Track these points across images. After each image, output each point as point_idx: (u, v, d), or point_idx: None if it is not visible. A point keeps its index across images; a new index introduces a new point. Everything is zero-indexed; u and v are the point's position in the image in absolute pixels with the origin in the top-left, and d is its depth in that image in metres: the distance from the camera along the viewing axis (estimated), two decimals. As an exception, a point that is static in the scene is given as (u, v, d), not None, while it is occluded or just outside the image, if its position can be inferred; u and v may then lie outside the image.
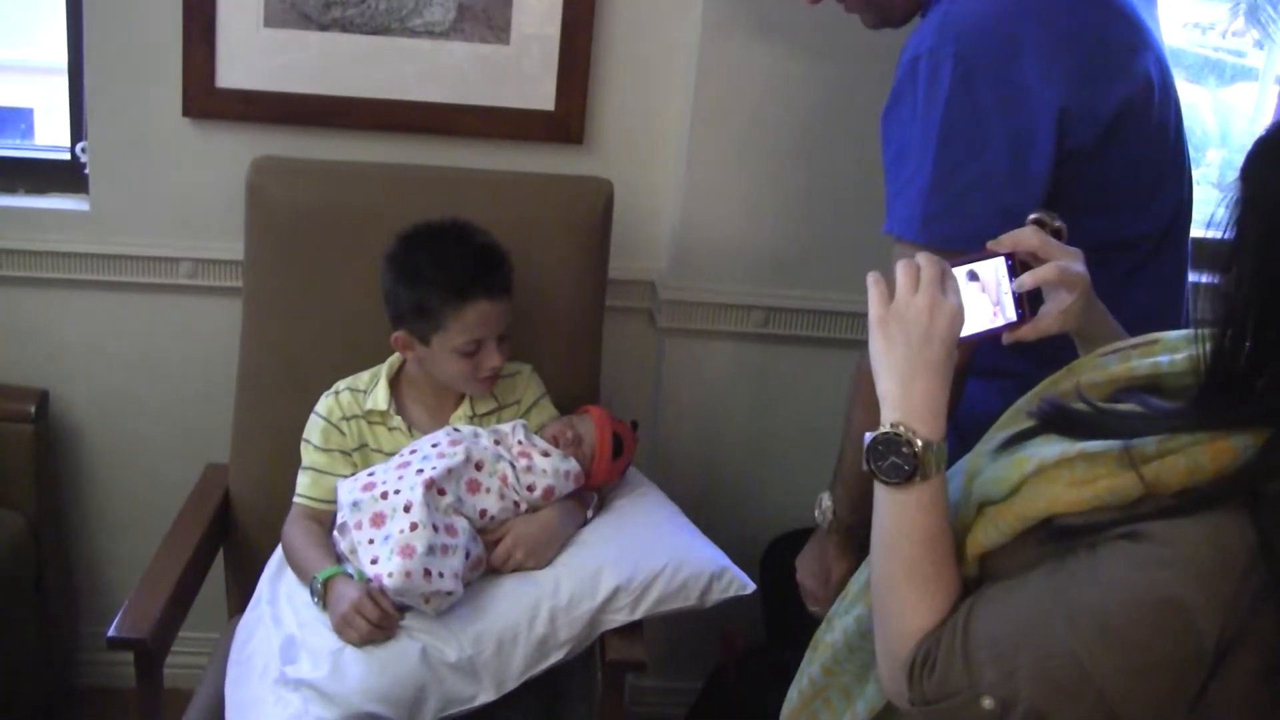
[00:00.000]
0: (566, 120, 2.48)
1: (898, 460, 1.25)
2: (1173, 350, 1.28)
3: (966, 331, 1.33)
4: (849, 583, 1.48)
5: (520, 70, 2.45)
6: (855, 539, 1.89)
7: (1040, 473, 1.19)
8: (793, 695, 1.50)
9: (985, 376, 1.65)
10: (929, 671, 1.20)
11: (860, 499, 1.81)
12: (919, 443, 1.24)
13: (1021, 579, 1.19)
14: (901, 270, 1.31)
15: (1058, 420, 1.25)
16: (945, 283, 1.32)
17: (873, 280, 1.32)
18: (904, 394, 1.27)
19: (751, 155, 2.48)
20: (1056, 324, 1.44)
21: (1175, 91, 1.84)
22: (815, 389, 2.60)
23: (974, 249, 1.47)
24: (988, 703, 1.15)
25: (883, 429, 1.26)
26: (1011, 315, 1.43)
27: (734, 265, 2.55)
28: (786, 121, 2.46)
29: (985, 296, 1.43)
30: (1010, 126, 1.64)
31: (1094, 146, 1.69)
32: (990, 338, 1.44)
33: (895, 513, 1.27)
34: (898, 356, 1.28)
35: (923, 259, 1.32)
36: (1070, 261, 1.44)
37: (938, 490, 1.25)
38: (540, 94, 2.47)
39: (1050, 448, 1.21)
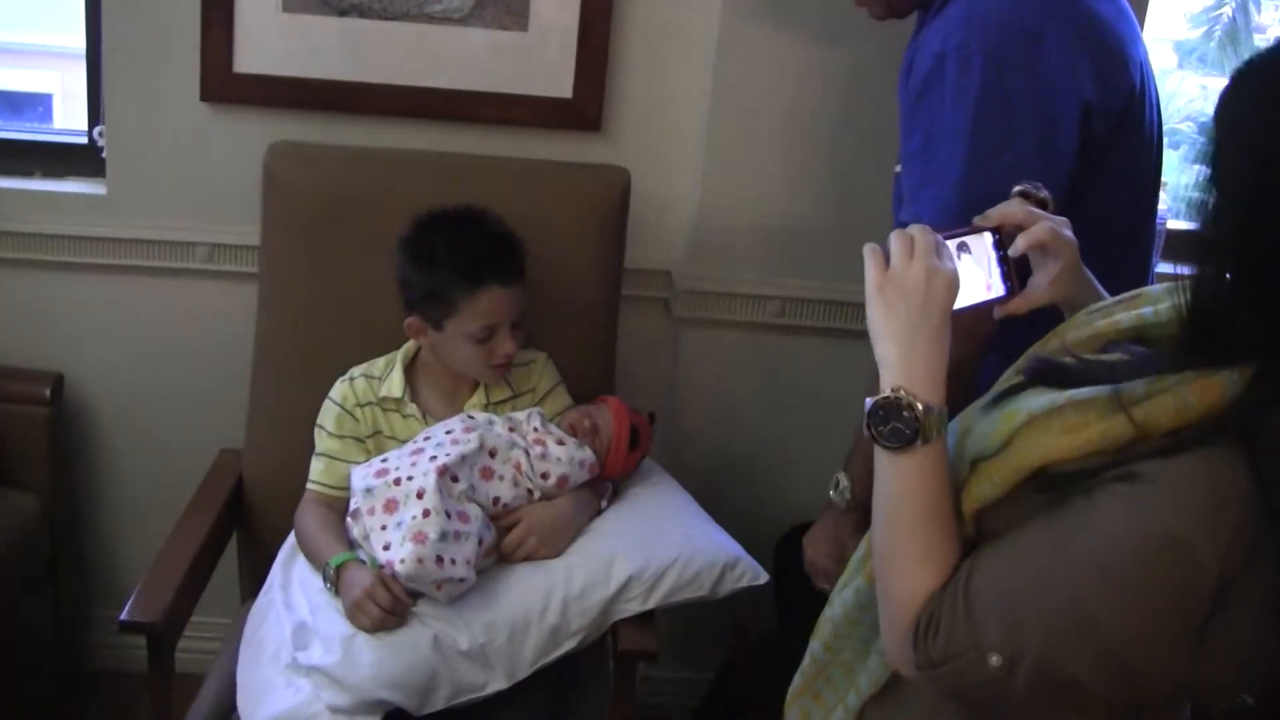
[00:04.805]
0: (584, 108, 2.47)
1: (899, 425, 1.24)
2: (1155, 302, 1.29)
3: (961, 303, 1.33)
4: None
5: (538, 57, 2.45)
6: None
7: (1031, 423, 1.19)
8: (796, 678, 1.49)
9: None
10: (933, 634, 1.19)
11: None
12: (920, 407, 1.24)
13: (1019, 532, 1.19)
14: (896, 240, 1.31)
15: (1046, 374, 1.26)
16: (940, 251, 1.32)
17: (869, 250, 1.32)
18: (904, 360, 1.27)
19: (769, 145, 2.47)
20: (1047, 295, 1.45)
21: (1153, 78, 1.90)
22: (830, 380, 2.59)
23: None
24: (995, 660, 1.15)
25: (883, 394, 1.26)
26: (1001, 289, 1.44)
27: (750, 255, 2.54)
28: (805, 111, 2.45)
29: (978, 270, 1.44)
30: (1040, 118, 1.68)
31: (1109, 137, 1.74)
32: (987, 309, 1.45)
33: (897, 477, 1.26)
34: (898, 323, 1.28)
35: (916, 229, 1.32)
36: (1060, 226, 1.45)
37: (939, 454, 1.25)
38: (558, 81, 2.46)
39: (1040, 398, 1.22)
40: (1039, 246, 1.44)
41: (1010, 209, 1.47)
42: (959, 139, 1.67)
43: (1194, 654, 1.08)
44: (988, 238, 1.44)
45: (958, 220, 1.65)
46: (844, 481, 1.92)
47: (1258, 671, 1.11)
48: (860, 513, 1.91)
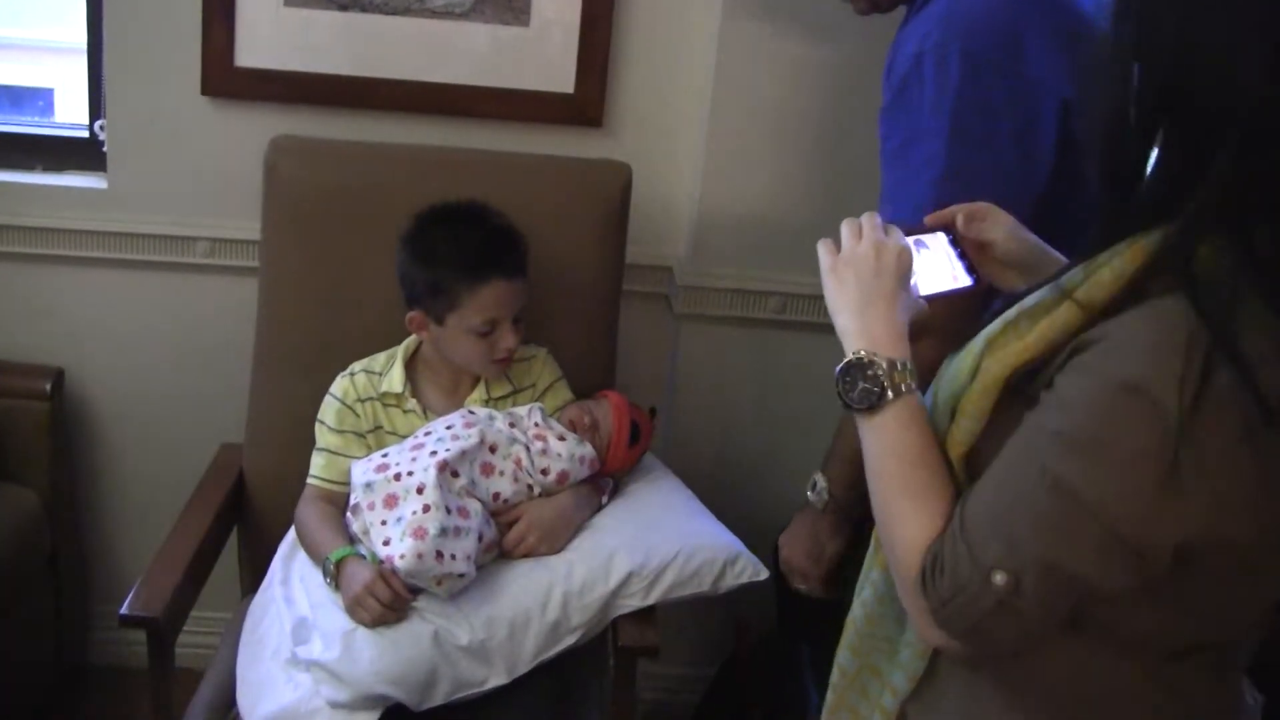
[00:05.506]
0: (586, 103, 2.47)
1: (866, 385, 1.26)
2: None
3: (932, 290, 1.40)
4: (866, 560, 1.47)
5: (540, 53, 2.45)
6: (850, 517, 1.91)
7: (990, 344, 1.22)
8: (829, 695, 1.47)
9: None
10: (939, 573, 1.19)
11: (859, 477, 1.83)
12: (883, 363, 1.26)
13: (1001, 454, 1.19)
14: (845, 226, 1.37)
15: (1002, 309, 1.27)
16: (888, 230, 1.37)
17: (821, 242, 1.38)
18: (862, 325, 1.30)
19: (771, 141, 2.47)
20: (1010, 278, 1.48)
21: None
22: (831, 376, 2.58)
23: None
24: (999, 578, 1.14)
25: (846, 358, 1.29)
26: (968, 280, 1.48)
27: (751, 251, 2.54)
28: (806, 107, 2.45)
29: (942, 262, 1.47)
30: (1018, 118, 1.67)
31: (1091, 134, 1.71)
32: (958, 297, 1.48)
33: (878, 437, 1.27)
34: (850, 294, 1.32)
35: (864, 217, 1.37)
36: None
37: (914, 406, 1.27)
38: (560, 76, 2.46)
39: (993, 322, 1.24)
40: (977, 213, 1.48)
41: (940, 211, 1.51)
42: (937, 138, 1.67)
43: (1178, 503, 1.08)
44: (942, 236, 1.48)
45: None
46: (821, 482, 1.92)
47: (1248, 517, 1.10)
48: (838, 512, 1.91)
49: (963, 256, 1.48)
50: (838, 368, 1.28)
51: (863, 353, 1.27)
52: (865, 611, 1.39)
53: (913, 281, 1.37)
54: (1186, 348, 1.05)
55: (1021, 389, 1.18)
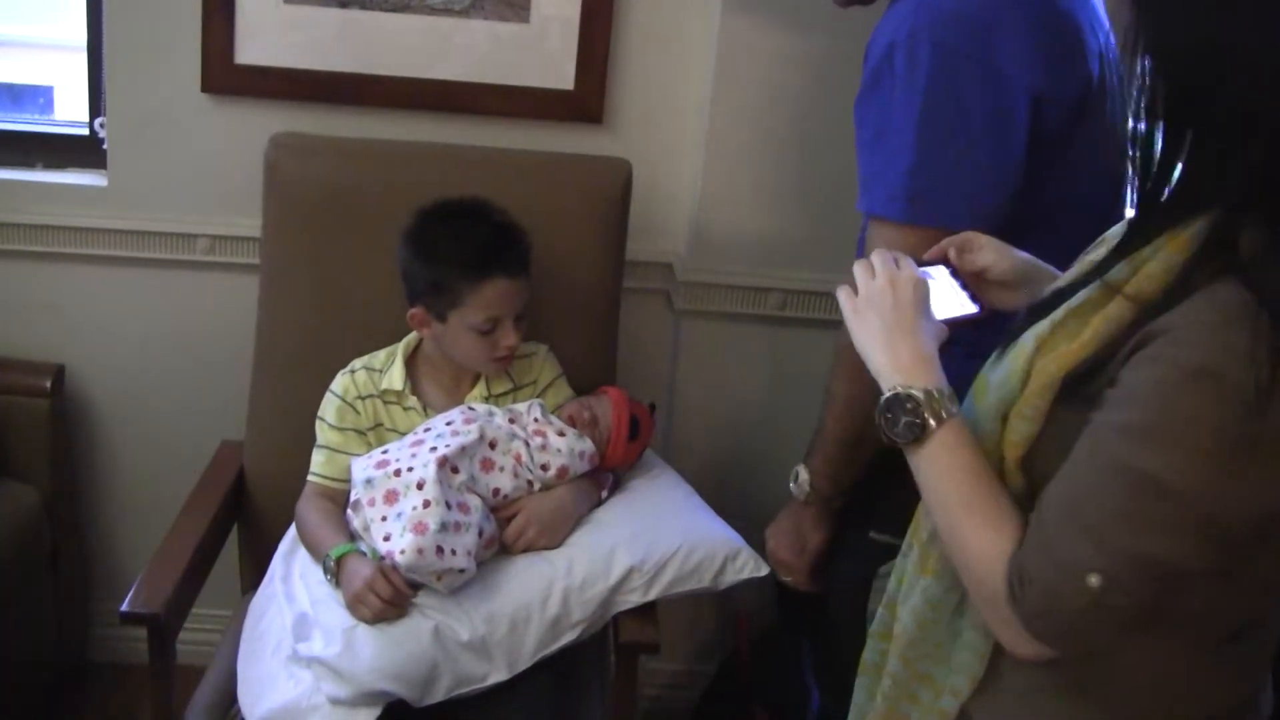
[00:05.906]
0: (586, 100, 2.47)
1: (908, 418, 1.29)
2: (1119, 235, 1.32)
3: (945, 315, 1.43)
4: (896, 565, 1.47)
5: (540, 49, 2.45)
6: (832, 510, 1.93)
7: (1040, 346, 1.24)
8: (878, 703, 1.47)
9: None
10: (1028, 585, 1.18)
11: (840, 470, 1.88)
12: (919, 394, 1.29)
13: (1071, 457, 1.19)
14: (858, 267, 1.41)
15: (1038, 308, 1.29)
16: (899, 262, 1.40)
17: (839, 289, 1.42)
18: (891, 360, 1.33)
19: (770, 137, 2.47)
20: (1009, 298, 1.50)
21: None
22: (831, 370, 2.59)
23: (956, 227, 1.56)
24: (1093, 580, 1.14)
25: (884, 395, 1.31)
26: (973, 308, 1.51)
27: (752, 248, 2.53)
28: (806, 103, 2.44)
29: (949, 291, 1.50)
30: (989, 109, 1.67)
31: (1065, 127, 1.72)
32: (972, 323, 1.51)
33: (931, 465, 1.29)
34: (873, 331, 1.36)
35: (873, 255, 1.41)
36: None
37: (960, 429, 1.28)
38: (560, 73, 2.46)
39: (1040, 324, 1.26)
40: (966, 243, 1.52)
41: (934, 247, 1.54)
42: (908, 131, 1.67)
43: (1257, 477, 1.09)
44: (943, 269, 1.51)
45: (907, 210, 1.69)
46: (803, 474, 1.93)
47: None
48: (821, 505, 1.92)
49: (965, 287, 1.51)
50: (878, 406, 1.31)
51: (898, 388, 1.30)
52: (917, 619, 1.39)
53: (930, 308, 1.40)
54: (1251, 328, 1.07)
55: (1075, 389, 1.20)
